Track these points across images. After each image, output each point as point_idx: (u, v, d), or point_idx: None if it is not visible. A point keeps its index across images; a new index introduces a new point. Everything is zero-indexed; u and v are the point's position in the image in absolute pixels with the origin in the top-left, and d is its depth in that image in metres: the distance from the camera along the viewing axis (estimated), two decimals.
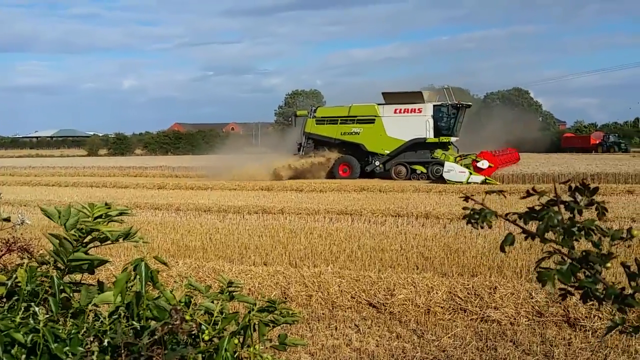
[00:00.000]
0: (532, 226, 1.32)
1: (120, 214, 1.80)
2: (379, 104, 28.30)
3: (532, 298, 6.50)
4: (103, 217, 1.75)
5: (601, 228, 1.22)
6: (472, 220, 1.30)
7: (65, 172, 35.46)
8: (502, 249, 1.31)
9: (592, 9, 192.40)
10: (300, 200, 18.36)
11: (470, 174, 24.30)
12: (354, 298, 7.14)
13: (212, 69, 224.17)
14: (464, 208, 1.33)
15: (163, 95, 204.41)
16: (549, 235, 1.25)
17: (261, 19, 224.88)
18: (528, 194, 1.31)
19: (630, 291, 1.17)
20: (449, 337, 6.01)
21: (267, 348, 1.49)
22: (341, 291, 7.25)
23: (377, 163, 27.93)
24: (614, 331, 1.24)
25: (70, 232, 1.74)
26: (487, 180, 24.18)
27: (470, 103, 28.72)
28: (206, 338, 1.37)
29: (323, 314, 6.85)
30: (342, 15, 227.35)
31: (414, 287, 7.13)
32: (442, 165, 26.33)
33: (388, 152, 27.68)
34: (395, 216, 14.14)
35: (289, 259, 9.64)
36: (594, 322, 6.01)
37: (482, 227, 1.30)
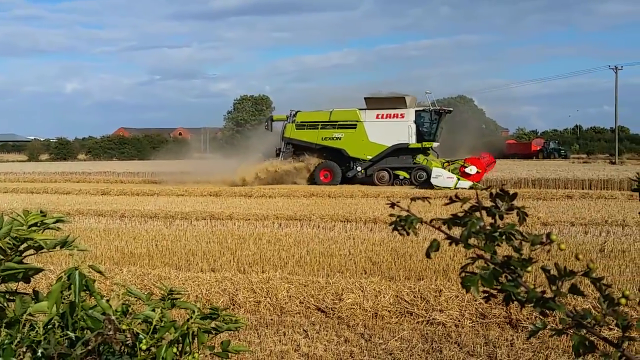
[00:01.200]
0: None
1: (57, 221, 1.75)
2: (360, 109, 27.97)
3: (475, 300, 6.65)
4: (39, 224, 1.70)
5: (521, 233, 1.26)
6: (398, 227, 1.32)
7: (4, 177, 34.17)
8: (428, 255, 1.34)
9: (533, 20, 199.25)
10: (249, 205, 18.25)
11: (458, 179, 24.31)
12: (303, 303, 7.14)
13: (160, 73, 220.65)
14: (391, 215, 1.35)
15: (108, 100, 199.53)
16: (473, 240, 1.28)
17: (210, 23, 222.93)
18: (451, 201, 1.34)
19: (550, 294, 1.21)
20: (395, 340, 6.08)
21: (206, 356, 1.47)
22: (290, 297, 7.23)
23: (358, 168, 27.51)
24: (538, 333, 1.27)
25: (3, 240, 1.67)
26: (475, 186, 24.06)
27: (451, 109, 28.44)
28: (144, 347, 1.34)
29: (271, 319, 6.82)
30: (292, 21, 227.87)
31: (362, 291, 7.18)
32: (426, 170, 26.39)
33: (370, 157, 27.31)
34: (344, 221, 14.23)
35: (238, 265, 9.56)
36: (535, 323, 6.18)
37: (408, 234, 1.33)
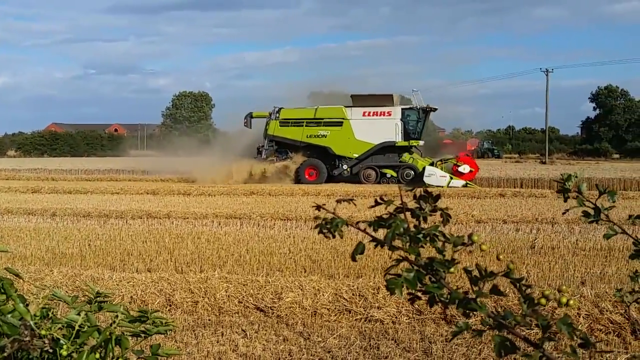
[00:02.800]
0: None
1: None
2: (346, 107, 27.51)
3: None
4: None
5: (444, 234, 1.28)
6: (324, 230, 1.31)
7: None
8: (353, 258, 1.34)
9: (471, 23, 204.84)
10: (187, 204, 17.94)
11: (451, 178, 24.24)
12: (242, 303, 7.07)
13: (95, 67, 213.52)
14: (316, 217, 1.34)
15: (40, 94, 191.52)
16: (399, 242, 1.29)
17: (149, 17, 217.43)
18: (376, 203, 1.34)
19: (473, 295, 1.23)
20: (334, 338, 6.11)
21: None
22: (228, 296, 7.15)
23: (344, 167, 27.12)
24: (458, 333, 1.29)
25: None
26: (468, 185, 24.05)
27: (436, 107, 28.28)
28: (64, 354, 1.28)
29: (209, 320, 6.72)
30: (233, 17, 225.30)
31: (301, 289, 7.18)
32: (413, 169, 26.31)
33: (356, 155, 26.92)
34: (285, 220, 14.20)
35: (175, 264, 9.38)
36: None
37: (334, 236, 1.32)
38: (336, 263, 9.31)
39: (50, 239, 11.52)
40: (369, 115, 26.94)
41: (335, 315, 6.78)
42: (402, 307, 6.69)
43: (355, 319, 6.67)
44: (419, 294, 1.26)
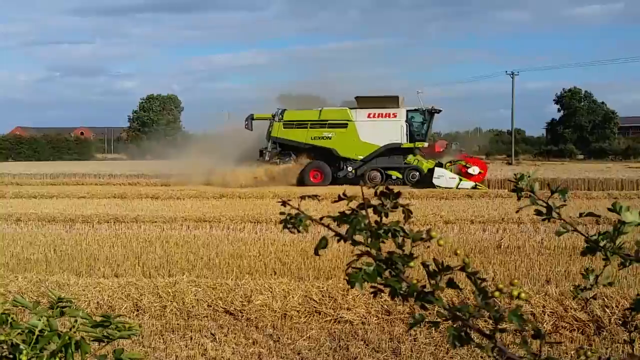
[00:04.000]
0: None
1: None
2: (351, 108, 27.25)
3: (381, 297, 6.82)
4: None
5: (404, 230, 1.31)
6: (289, 225, 1.34)
7: None
8: (316, 253, 1.36)
9: (439, 26, 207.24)
10: (156, 208, 17.75)
11: (460, 180, 24.11)
12: (211, 306, 7.03)
13: (60, 69, 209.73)
14: (281, 213, 1.36)
15: (3, 97, 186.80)
16: (361, 238, 1.32)
17: (115, 19, 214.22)
18: (339, 199, 1.37)
19: (430, 289, 1.27)
20: (304, 340, 6.12)
21: None
22: (197, 300, 7.10)
23: (349, 169, 26.76)
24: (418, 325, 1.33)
25: None
26: (477, 186, 23.93)
27: (441, 108, 28.10)
28: (24, 359, 1.26)
29: (178, 324, 6.67)
30: (201, 19, 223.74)
31: (271, 292, 7.17)
32: (418, 170, 26.21)
33: (361, 157, 26.65)
34: (254, 222, 14.15)
35: (143, 269, 9.28)
36: (436, 318, 6.43)
37: (299, 232, 1.34)
38: (306, 265, 9.33)
39: (15, 245, 11.28)
40: (374, 116, 26.76)
41: (305, 317, 6.79)
42: (371, 308, 6.74)
43: (325, 321, 6.69)
44: (381, 287, 1.29)
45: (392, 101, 27.18)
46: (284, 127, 27.34)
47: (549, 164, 48.30)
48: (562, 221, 1.45)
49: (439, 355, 5.64)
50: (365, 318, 6.62)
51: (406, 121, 26.60)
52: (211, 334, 6.32)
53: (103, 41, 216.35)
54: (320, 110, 27.53)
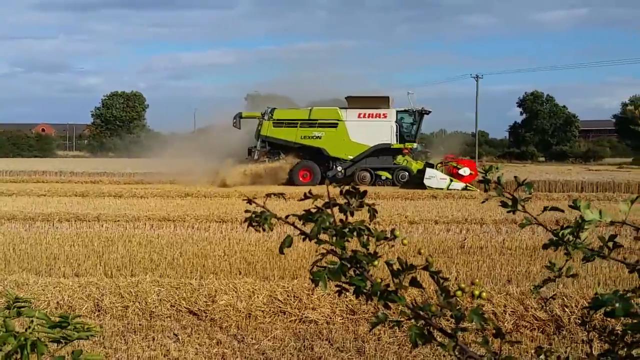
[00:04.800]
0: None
1: None
2: (341, 108, 27.14)
3: (346, 297, 6.84)
4: None
5: (369, 229, 1.31)
6: (254, 223, 1.33)
7: None
8: (281, 251, 1.36)
9: (406, 29, 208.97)
10: (119, 206, 17.45)
11: (451, 181, 24.08)
12: (174, 306, 6.94)
13: (22, 65, 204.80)
14: (246, 211, 1.35)
15: None
16: (326, 236, 1.32)
17: (80, 14, 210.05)
18: (305, 197, 1.37)
19: (393, 288, 1.27)
20: (268, 340, 6.09)
21: None
22: (160, 300, 7.01)
23: (339, 168, 26.70)
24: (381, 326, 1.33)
25: None
26: (467, 187, 23.89)
27: (430, 109, 28.07)
28: None
29: (140, 324, 6.57)
30: (168, 17, 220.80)
31: (236, 292, 7.12)
32: (408, 171, 26.20)
33: (351, 157, 26.62)
34: (220, 222, 14.04)
35: (104, 268, 9.11)
36: (400, 317, 6.47)
37: (264, 230, 1.33)
38: (271, 265, 9.29)
39: None
40: (364, 117, 26.80)
41: (270, 317, 6.77)
42: (336, 308, 6.75)
43: (290, 320, 6.67)
44: (346, 286, 1.29)
45: (382, 101, 27.33)
46: (274, 126, 27.16)
47: (511, 165, 49.15)
48: (526, 214, 1.48)
49: (402, 355, 5.68)
50: (330, 318, 6.63)
51: (396, 122, 26.78)
52: (174, 334, 6.24)
53: (67, 37, 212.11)
54: (311, 110, 27.52)
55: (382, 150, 26.82)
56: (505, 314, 6.60)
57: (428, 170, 24.85)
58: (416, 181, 25.00)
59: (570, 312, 6.52)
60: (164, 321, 6.67)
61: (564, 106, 70.23)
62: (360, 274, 1.28)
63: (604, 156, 62.12)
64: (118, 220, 14.10)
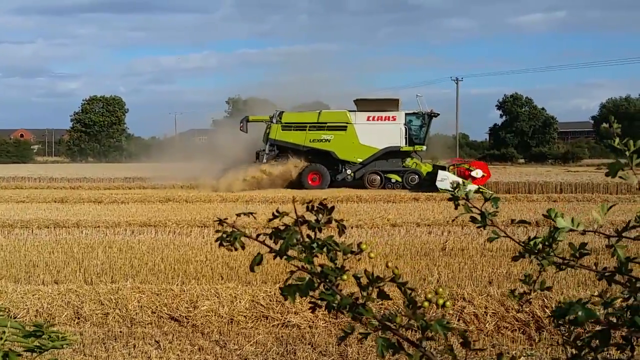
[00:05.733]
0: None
1: None
2: (350, 111, 27.04)
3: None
4: None
5: (337, 244, 1.32)
6: (225, 243, 1.33)
7: None
8: (252, 269, 1.36)
9: (388, 32, 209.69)
10: (98, 212, 17.29)
11: (464, 183, 24.10)
12: (155, 313, 6.89)
13: (1, 69, 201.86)
14: (217, 231, 1.35)
15: None
16: (295, 252, 1.32)
17: (59, 18, 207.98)
18: (274, 216, 1.37)
19: (362, 301, 1.28)
20: (250, 345, 6.07)
21: None
22: (141, 307, 6.95)
23: (348, 172, 26.59)
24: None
25: None
26: (480, 189, 23.97)
27: (438, 112, 27.98)
28: None
29: (121, 331, 6.50)
30: (148, 20, 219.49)
31: (218, 297, 7.09)
32: (417, 173, 26.15)
33: (361, 160, 26.53)
34: (202, 227, 13.96)
35: (84, 275, 9.01)
36: (399, 327, 6.48)
37: (235, 249, 1.34)
38: (255, 269, 9.25)
39: None
40: (373, 119, 26.74)
41: (252, 322, 6.74)
42: (319, 312, 6.73)
43: (273, 325, 6.65)
44: (318, 302, 1.30)
45: (391, 104, 27.34)
46: (283, 130, 27.01)
47: (491, 167, 49.43)
48: (494, 228, 1.49)
49: (385, 358, 5.69)
50: (313, 322, 6.63)
51: (405, 124, 26.81)
52: (155, 341, 6.19)
53: (45, 41, 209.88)
54: (319, 113, 27.44)
55: (392, 153, 26.86)
56: (487, 315, 6.64)
57: (440, 172, 24.65)
58: (429, 184, 24.81)
59: (551, 312, 6.59)
60: (145, 328, 6.61)
61: (543, 108, 71.06)
62: (329, 289, 1.28)
63: (582, 157, 62.87)
64: (98, 226, 13.96)
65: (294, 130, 26.98)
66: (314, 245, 1.29)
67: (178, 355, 5.79)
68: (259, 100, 30.19)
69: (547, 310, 6.63)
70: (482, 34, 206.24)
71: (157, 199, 21.15)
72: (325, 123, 27.00)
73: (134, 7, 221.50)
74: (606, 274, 1.36)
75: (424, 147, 27.62)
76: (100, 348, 5.96)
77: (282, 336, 6.34)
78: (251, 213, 1.42)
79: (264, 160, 26.84)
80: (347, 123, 26.94)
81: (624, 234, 1.41)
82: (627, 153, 1.38)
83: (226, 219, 1.34)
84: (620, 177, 1.36)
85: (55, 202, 20.89)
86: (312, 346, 6.04)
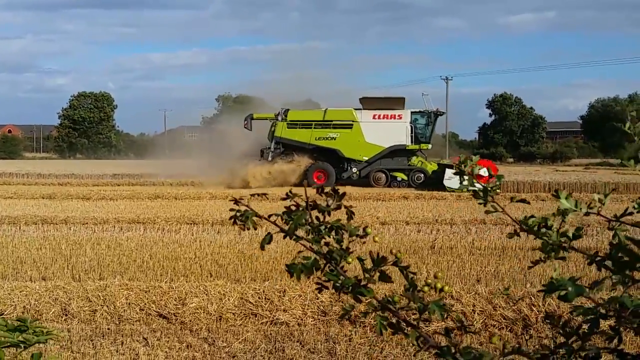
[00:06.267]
0: None
1: None
2: (356, 109, 27.04)
3: (317, 299, 6.85)
4: None
5: (344, 227, 1.36)
6: (239, 222, 1.36)
7: None
8: (262, 247, 1.40)
9: (378, 31, 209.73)
10: (87, 209, 17.19)
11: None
12: (143, 310, 6.86)
13: None
14: (231, 209, 1.39)
15: None
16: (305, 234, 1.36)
17: (47, 14, 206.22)
18: (287, 196, 1.40)
19: (365, 282, 1.32)
20: (239, 343, 6.07)
21: None
22: (129, 304, 6.92)
23: (354, 170, 26.59)
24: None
25: None
26: None
27: (444, 111, 27.84)
28: None
29: (108, 329, 6.48)
30: (137, 17, 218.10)
31: (206, 294, 7.08)
32: (423, 172, 26.20)
33: (367, 158, 26.51)
34: (191, 224, 13.93)
35: (72, 272, 8.97)
36: (371, 319, 6.51)
37: (248, 228, 1.37)
38: (242, 267, 9.26)
39: None
40: (379, 118, 26.73)
41: (241, 319, 6.74)
42: (307, 309, 6.75)
43: (261, 323, 6.66)
44: (324, 283, 1.34)
45: (397, 102, 27.39)
46: (288, 127, 26.94)
47: None
48: (494, 204, 1.51)
49: (373, 355, 5.71)
50: (302, 319, 6.63)
51: (410, 123, 26.81)
52: (143, 338, 6.17)
53: (34, 37, 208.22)
54: (325, 111, 27.44)
55: (397, 152, 26.87)
56: (474, 313, 6.68)
57: (448, 171, 24.60)
58: (436, 182, 24.81)
59: (538, 311, 6.64)
60: (133, 325, 6.59)
61: (532, 108, 71.51)
62: (334, 269, 1.32)
63: (571, 157, 63.38)
64: (86, 223, 13.89)
65: (299, 128, 26.95)
66: (322, 227, 1.33)
67: (166, 352, 5.78)
68: (249, 98, 30.14)
69: (534, 309, 6.68)
70: (472, 34, 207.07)
71: (146, 196, 21.08)
72: (331, 121, 26.99)
73: (124, 3, 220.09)
74: (597, 258, 1.39)
75: (430, 146, 27.67)
76: (88, 345, 5.94)
77: (270, 334, 6.34)
78: (265, 194, 1.45)
79: (269, 158, 26.78)
80: (352, 121, 26.92)
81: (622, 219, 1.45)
82: (635, 138, 1.41)
83: (241, 198, 1.36)
84: (624, 164, 1.40)
85: (44, 198, 20.75)
86: (300, 344, 6.05)
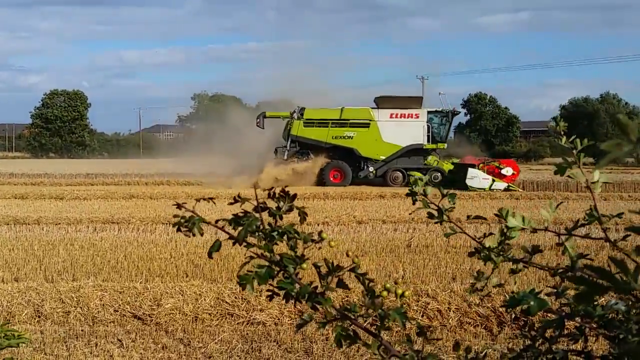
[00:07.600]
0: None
1: None
2: (373, 108, 26.86)
3: None
4: None
5: (297, 232, 1.32)
6: (182, 228, 1.32)
7: None
8: (210, 256, 1.35)
9: (355, 30, 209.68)
10: (60, 209, 16.92)
11: (494, 181, 23.89)
12: (118, 311, 6.79)
13: None
14: (175, 216, 1.34)
15: None
16: (254, 240, 1.32)
17: (20, 11, 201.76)
18: (235, 201, 1.36)
19: (321, 290, 1.29)
20: (215, 343, 6.03)
21: None
22: (103, 305, 6.84)
23: (371, 169, 26.39)
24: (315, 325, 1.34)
25: None
26: (510, 187, 23.80)
27: (460, 111, 27.73)
28: None
29: (82, 330, 6.39)
30: (113, 14, 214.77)
31: (182, 295, 7.03)
32: (440, 171, 26.07)
33: (383, 157, 26.37)
34: (166, 224, 13.78)
35: (45, 273, 8.82)
36: (357, 317, 6.52)
37: (193, 235, 1.32)
38: (219, 267, 9.20)
39: None
40: (396, 117, 26.66)
41: (217, 319, 6.70)
42: (284, 309, 6.74)
43: (238, 323, 6.63)
44: (276, 290, 1.30)
45: (414, 102, 27.40)
46: (305, 126, 26.70)
47: None
48: (451, 223, 1.52)
49: (350, 354, 5.73)
50: (279, 319, 6.62)
51: (427, 122, 26.80)
52: (118, 339, 6.10)
53: (7, 34, 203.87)
54: (342, 110, 27.21)
55: (414, 151, 26.84)
56: (450, 310, 6.74)
57: (470, 170, 24.61)
58: (460, 181, 24.43)
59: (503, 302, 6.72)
60: (108, 326, 6.51)
61: (506, 107, 72.27)
62: (288, 277, 1.28)
63: (544, 156, 64.19)
64: (59, 223, 13.68)
65: (316, 127, 26.77)
66: (274, 232, 1.29)
67: (141, 354, 5.72)
68: (225, 97, 29.97)
69: None
70: (447, 34, 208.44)
71: (121, 196, 20.83)
72: (348, 120, 26.90)
73: (99, 1, 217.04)
74: (559, 270, 1.40)
75: (446, 145, 27.79)
76: (62, 347, 5.85)
77: (247, 334, 6.32)
78: (212, 199, 1.42)
79: (285, 157, 26.57)
80: (369, 120, 26.87)
81: (573, 232, 1.45)
82: (574, 152, 1.42)
83: (184, 203, 1.32)
84: (569, 175, 1.40)
85: (16, 198, 20.37)
86: (277, 343, 6.04)
